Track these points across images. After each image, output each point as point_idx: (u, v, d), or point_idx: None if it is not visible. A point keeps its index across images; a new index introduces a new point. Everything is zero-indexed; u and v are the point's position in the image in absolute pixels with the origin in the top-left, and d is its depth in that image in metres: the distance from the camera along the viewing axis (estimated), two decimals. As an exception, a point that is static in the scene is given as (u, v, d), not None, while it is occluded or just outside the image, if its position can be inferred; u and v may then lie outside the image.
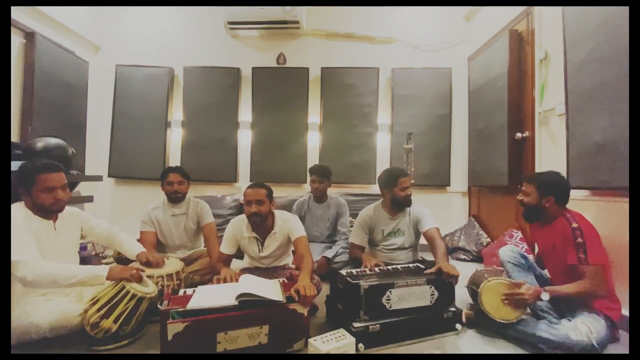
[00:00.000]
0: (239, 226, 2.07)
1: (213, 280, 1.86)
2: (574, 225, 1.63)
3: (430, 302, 1.74)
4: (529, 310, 1.68)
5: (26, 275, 1.42)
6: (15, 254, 1.43)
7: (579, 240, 1.59)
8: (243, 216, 2.07)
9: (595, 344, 1.46)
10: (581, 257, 1.57)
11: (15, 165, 1.92)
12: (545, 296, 1.58)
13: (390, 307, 1.66)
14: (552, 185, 1.74)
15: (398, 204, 2.27)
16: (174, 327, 1.37)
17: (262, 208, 1.94)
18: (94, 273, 1.56)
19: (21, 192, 1.62)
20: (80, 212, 1.92)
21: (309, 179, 2.96)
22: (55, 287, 1.54)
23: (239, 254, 2.19)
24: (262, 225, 2.01)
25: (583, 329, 1.50)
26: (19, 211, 1.59)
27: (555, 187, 1.74)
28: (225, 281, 1.81)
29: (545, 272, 1.93)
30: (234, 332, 1.44)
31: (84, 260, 2.17)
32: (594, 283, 1.54)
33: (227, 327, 1.43)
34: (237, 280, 1.76)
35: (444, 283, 1.77)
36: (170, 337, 1.36)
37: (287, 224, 2.05)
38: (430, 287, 1.75)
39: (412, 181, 2.30)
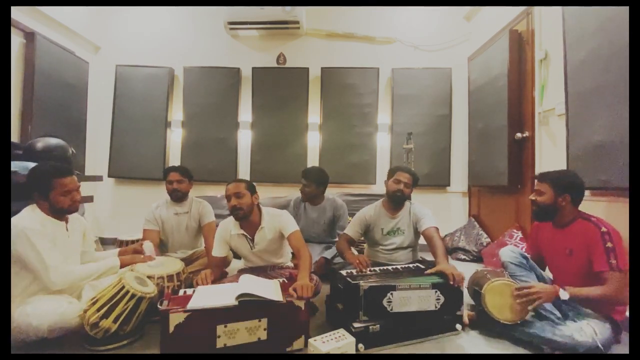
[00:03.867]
0: (226, 226, 2.05)
1: (193, 283, 1.86)
2: (604, 229, 1.55)
3: (436, 307, 1.70)
4: (532, 312, 1.66)
5: (57, 280, 1.54)
6: (47, 259, 1.52)
7: (609, 245, 1.51)
8: (231, 217, 2.06)
9: (600, 345, 1.46)
10: (612, 263, 1.49)
11: (16, 166, 1.93)
12: (564, 295, 1.53)
13: (391, 309, 1.64)
14: (567, 183, 1.68)
15: (389, 198, 2.29)
16: (176, 318, 1.39)
17: (242, 201, 1.92)
18: (109, 265, 1.79)
19: (35, 196, 1.65)
20: (85, 221, 1.96)
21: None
22: (77, 284, 1.69)
23: (239, 254, 2.18)
24: (248, 221, 1.99)
25: (588, 330, 1.49)
26: (34, 216, 1.62)
27: (571, 185, 1.68)
28: (203, 283, 1.82)
29: (544, 273, 1.92)
30: (234, 324, 1.46)
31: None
32: (618, 289, 1.47)
33: (226, 319, 1.45)
34: (210, 280, 1.86)
35: (452, 288, 1.72)
36: (172, 329, 1.38)
37: (277, 219, 2.03)
38: (436, 292, 1.70)
39: (409, 182, 2.26)
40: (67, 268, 1.60)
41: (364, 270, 1.91)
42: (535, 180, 1.80)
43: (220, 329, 1.45)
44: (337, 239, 2.83)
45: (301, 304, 1.56)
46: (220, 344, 1.45)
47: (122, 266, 1.83)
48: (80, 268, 1.67)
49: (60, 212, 1.70)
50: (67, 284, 1.59)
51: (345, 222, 2.87)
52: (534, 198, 1.76)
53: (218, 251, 2.04)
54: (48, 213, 1.67)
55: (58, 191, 1.65)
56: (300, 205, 2.93)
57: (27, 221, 1.56)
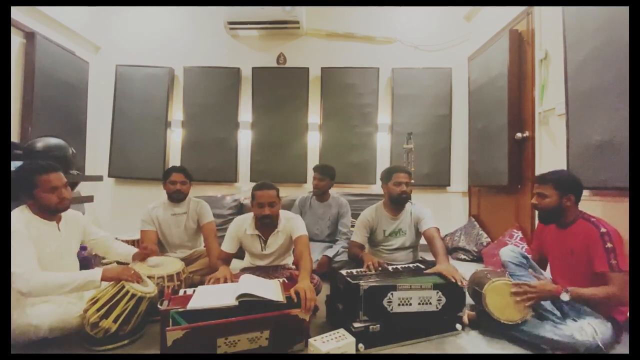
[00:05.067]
0: (241, 224, 2.08)
1: (206, 280, 1.83)
2: (603, 230, 1.55)
3: (437, 307, 1.69)
4: (532, 312, 1.66)
5: (21, 288, 1.42)
6: (12, 266, 1.42)
7: (609, 245, 1.52)
8: (247, 215, 2.11)
9: (600, 345, 1.46)
10: (613, 264, 1.49)
11: (16, 166, 1.93)
12: (565, 296, 1.53)
13: (391, 309, 1.64)
14: (570, 183, 1.68)
15: (393, 201, 2.26)
16: (173, 335, 1.35)
17: (274, 210, 1.97)
18: (88, 279, 1.54)
19: (22, 196, 1.59)
20: (81, 216, 1.92)
21: (309, 178, 2.98)
22: (50, 295, 1.53)
23: (240, 254, 2.19)
24: (268, 224, 2.02)
25: (588, 330, 1.49)
26: (20, 216, 1.56)
27: (574, 184, 1.68)
28: (219, 282, 1.79)
29: (544, 273, 1.92)
30: (234, 337, 1.43)
31: (84, 261, 2.16)
32: (621, 289, 1.46)
33: (227, 333, 1.42)
34: (232, 281, 1.77)
35: (454, 289, 1.71)
36: (169, 343, 1.35)
37: (290, 223, 2.07)
38: (437, 293, 1.69)
39: (412, 181, 2.29)
40: (33, 275, 1.44)
41: (371, 270, 1.91)
42: (535, 184, 1.77)
43: (220, 341, 1.42)
44: (338, 239, 2.86)
45: (306, 317, 1.53)
46: (220, 351, 1.43)
47: (104, 280, 1.58)
48: (48, 275, 1.48)
49: (49, 211, 1.62)
50: (33, 291, 1.43)
51: (348, 220, 2.91)
52: (536, 202, 1.74)
53: (229, 247, 2.06)
54: (37, 213, 1.61)
55: (43, 188, 1.57)
56: (306, 203, 2.99)
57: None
